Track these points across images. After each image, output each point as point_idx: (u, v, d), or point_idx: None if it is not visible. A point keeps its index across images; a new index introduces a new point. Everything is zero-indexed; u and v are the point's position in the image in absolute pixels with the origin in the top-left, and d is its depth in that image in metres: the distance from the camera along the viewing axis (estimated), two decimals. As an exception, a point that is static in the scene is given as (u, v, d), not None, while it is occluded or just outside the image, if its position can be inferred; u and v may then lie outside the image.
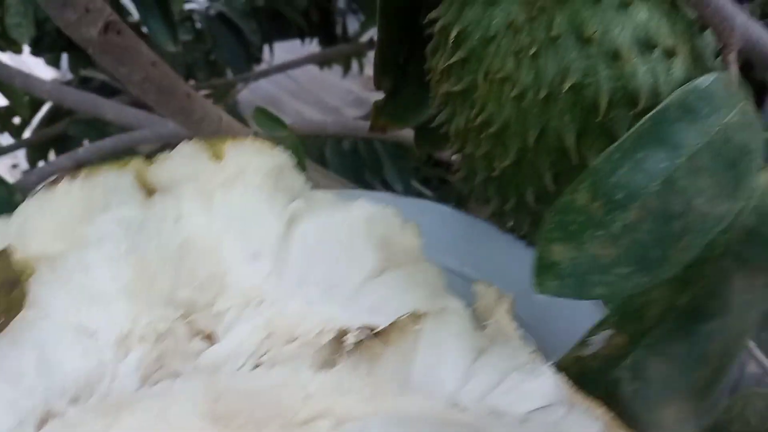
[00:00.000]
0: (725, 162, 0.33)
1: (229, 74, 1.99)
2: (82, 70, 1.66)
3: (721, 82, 0.34)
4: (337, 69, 2.28)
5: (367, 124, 0.56)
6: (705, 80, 0.34)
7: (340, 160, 1.67)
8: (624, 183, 0.33)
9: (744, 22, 0.37)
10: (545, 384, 0.33)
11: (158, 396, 0.31)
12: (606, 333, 0.36)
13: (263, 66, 2.03)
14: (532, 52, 0.38)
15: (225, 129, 0.79)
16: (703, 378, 0.35)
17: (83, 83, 1.66)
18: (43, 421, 0.30)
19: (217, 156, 0.37)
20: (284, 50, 2.18)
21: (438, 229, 0.52)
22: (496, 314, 0.36)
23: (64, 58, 1.77)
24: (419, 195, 1.77)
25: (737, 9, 0.37)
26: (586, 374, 0.36)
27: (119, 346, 0.33)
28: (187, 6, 1.85)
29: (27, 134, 1.60)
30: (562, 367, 0.36)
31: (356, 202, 0.38)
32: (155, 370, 0.33)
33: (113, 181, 0.35)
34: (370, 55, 2.25)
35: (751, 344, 0.66)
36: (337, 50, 2.07)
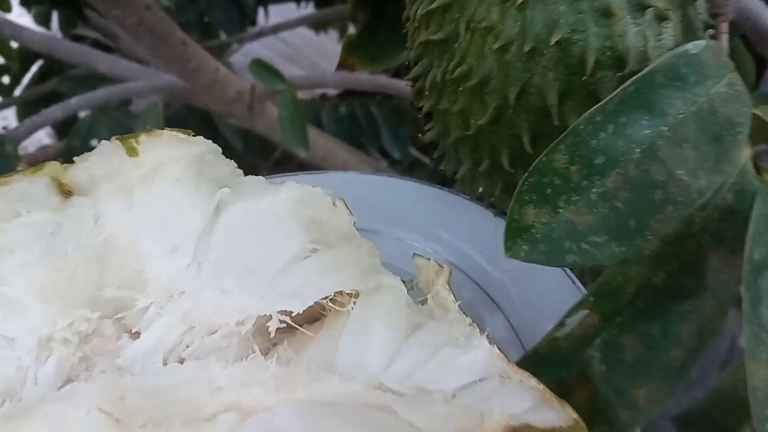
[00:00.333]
0: (710, 134, 0.32)
1: (223, 36, 1.95)
2: (72, 29, 1.62)
3: (711, 50, 0.33)
4: (332, 34, 2.23)
5: (369, 78, 0.54)
6: (695, 46, 0.32)
7: (336, 125, 1.65)
8: (604, 147, 0.31)
9: (740, -10, 0.35)
10: (478, 357, 0.32)
11: (59, 400, 0.30)
12: (582, 313, 0.34)
13: (257, 28, 1.98)
14: (519, 2, 0.36)
15: (222, 79, 0.77)
16: (678, 359, 0.33)
17: (75, 41, 1.62)
18: None
19: (133, 151, 0.36)
20: (278, 14, 2.13)
21: (403, 204, 0.51)
22: (436, 286, 0.35)
23: (55, 18, 1.73)
24: (417, 162, 1.75)
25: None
26: (558, 355, 0.34)
27: (40, 351, 0.32)
28: (181, -35, 1.81)
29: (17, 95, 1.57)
30: (536, 348, 0.35)
31: (284, 184, 0.37)
32: (81, 371, 0.33)
33: (24, 188, 0.34)
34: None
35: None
36: (332, 12, 2.02)
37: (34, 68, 1.58)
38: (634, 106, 0.31)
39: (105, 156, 0.36)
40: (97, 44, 1.62)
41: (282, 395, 0.31)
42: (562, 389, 0.33)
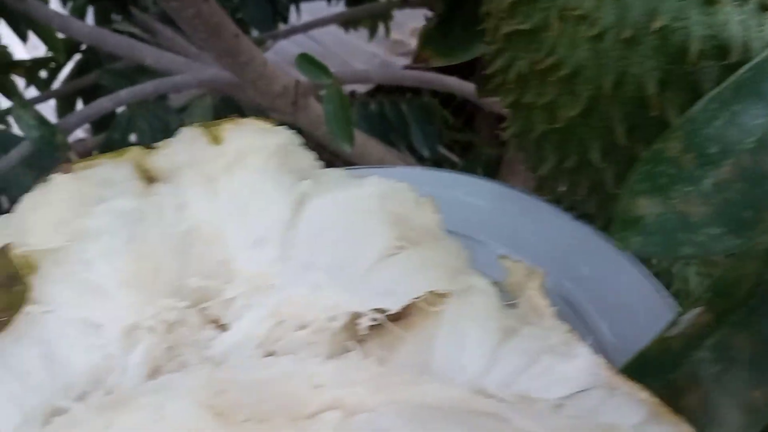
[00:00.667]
0: (825, 123, 0.30)
1: (255, 33, 1.96)
2: (108, 24, 1.64)
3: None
4: (362, 33, 2.23)
5: (412, 73, 0.53)
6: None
7: (367, 123, 1.65)
8: (718, 136, 0.30)
9: None
10: (581, 366, 0.30)
11: (158, 391, 0.30)
12: (695, 311, 0.33)
13: (288, 26, 1.99)
14: (617, -12, 0.35)
15: (269, 74, 0.77)
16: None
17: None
18: (48, 418, 0.30)
19: (217, 139, 0.35)
20: (309, 12, 2.14)
21: (473, 202, 0.50)
22: (528, 291, 0.34)
23: (90, 14, 1.75)
24: (445, 160, 1.75)
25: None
26: (669, 355, 0.33)
27: (126, 339, 0.32)
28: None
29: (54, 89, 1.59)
30: (644, 349, 0.34)
31: (368, 178, 0.36)
32: (167, 361, 0.32)
33: (109, 172, 0.34)
34: (397, 19, 2.20)
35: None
36: (363, 10, 2.03)
37: (71, 63, 1.59)
38: (748, 94, 0.30)
39: (187, 143, 0.35)
40: (133, 37, 1.64)
41: (383, 396, 0.30)
42: (671, 392, 0.32)
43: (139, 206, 0.34)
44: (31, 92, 1.63)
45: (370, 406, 0.30)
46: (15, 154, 0.90)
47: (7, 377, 0.30)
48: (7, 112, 1.41)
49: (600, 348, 0.42)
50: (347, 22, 2.19)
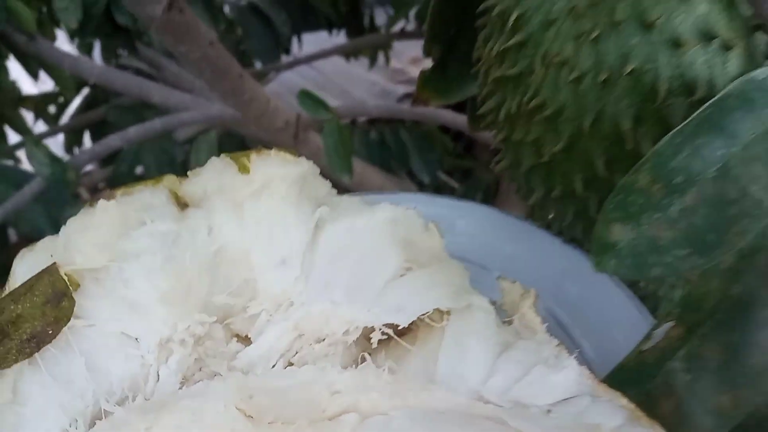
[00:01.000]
0: (780, 151, 0.34)
1: (258, 65, 2.01)
2: (115, 59, 1.68)
3: (779, 75, 0.35)
4: (363, 61, 2.28)
5: (408, 107, 0.57)
6: (762, 73, 0.35)
7: (367, 150, 1.68)
8: (683, 167, 0.33)
9: (801, 19, 0.38)
10: (569, 376, 0.34)
11: (195, 396, 0.34)
12: (667, 326, 0.37)
13: (291, 57, 2.04)
14: (593, 36, 0.39)
15: (272, 110, 0.80)
16: (758, 364, 0.35)
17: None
18: (93, 421, 0.33)
19: (245, 169, 0.39)
20: (312, 43, 2.19)
21: (472, 228, 0.53)
22: (522, 309, 0.38)
23: (96, 49, 1.80)
24: (445, 186, 1.78)
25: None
26: (644, 367, 0.36)
27: (160, 351, 0.35)
28: (220, -4, 1.87)
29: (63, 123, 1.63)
30: (623, 363, 0.37)
31: (380, 205, 0.39)
32: (196, 371, 0.36)
33: (148, 198, 0.37)
34: (397, 48, 2.25)
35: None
36: (364, 41, 2.08)
37: (79, 98, 1.64)
38: (709, 128, 0.34)
39: (216, 172, 0.39)
40: (139, 72, 1.68)
41: (396, 401, 0.33)
42: (648, 401, 0.35)
43: (175, 229, 0.37)
44: (40, 126, 1.68)
45: (384, 410, 0.33)
46: (28, 190, 0.93)
47: (54, 385, 0.33)
48: (16, 147, 1.45)
49: (584, 361, 0.45)
50: (348, 53, 2.24)
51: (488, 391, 0.34)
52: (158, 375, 0.35)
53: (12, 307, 0.33)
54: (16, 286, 0.34)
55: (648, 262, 0.33)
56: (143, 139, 0.94)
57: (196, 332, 0.36)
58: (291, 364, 0.37)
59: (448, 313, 0.37)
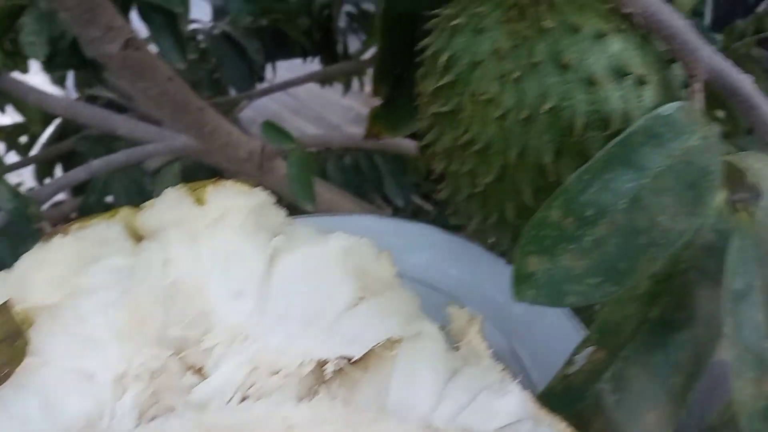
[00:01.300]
0: (686, 182, 0.36)
1: (233, 92, 2.02)
2: (88, 89, 1.69)
3: (683, 110, 0.37)
4: (338, 87, 2.31)
5: (368, 140, 0.59)
6: (668, 108, 0.37)
7: (341, 175, 1.70)
8: (593, 201, 0.35)
9: (709, 55, 0.40)
10: (512, 402, 0.35)
11: None
12: (589, 350, 0.38)
13: (266, 84, 2.06)
14: (515, 76, 0.41)
15: (234, 141, 0.82)
16: (679, 384, 0.37)
17: (90, 101, 1.69)
18: None
19: (200, 200, 0.39)
20: (286, 69, 2.21)
21: (423, 250, 0.55)
22: (469, 335, 0.39)
23: (70, 77, 1.81)
24: (419, 210, 1.79)
25: (703, 43, 0.40)
26: (572, 390, 0.38)
27: (116, 386, 0.35)
28: (192, 26, 1.89)
29: (33, 154, 1.63)
30: (551, 386, 0.39)
31: (333, 235, 0.40)
32: (151, 405, 0.36)
33: (103, 232, 0.38)
34: (371, 73, 2.28)
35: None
36: (338, 68, 2.10)
37: (51, 128, 1.64)
38: (617, 163, 0.36)
39: (172, 203, 0.39)
40: (111, 103, 1.69)
41: None
42: (580, 421, 0.36)
43: (130, 263, 0.37)
44: (12, 157, 1.68)
45: None
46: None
47: (9, 425, 0.33)
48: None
49: (528, 383, 0.47)
50: (322, 80, 2.27)
51: (437, 419, 0.35)
52: (114, 412, 0.35)
53: (-35, 347, 0.33)
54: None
55: (563, 291, 0.35)
56: (108, 171, 0.95)
57: (151, 366, 0.36)
58: (246, 397, 0.37)
59: (399, 340, 0.38)
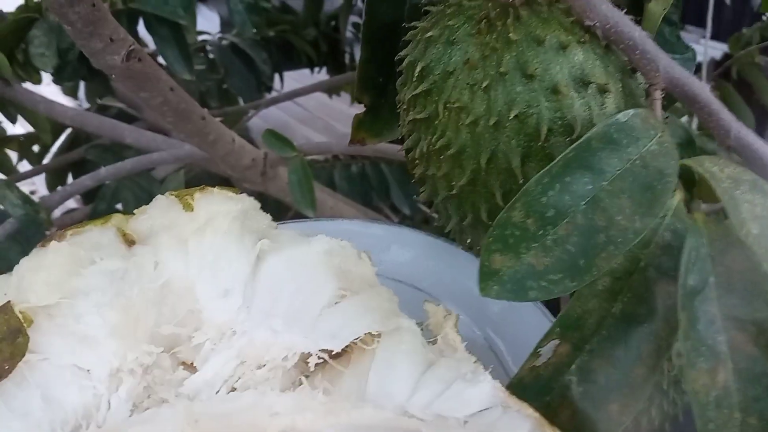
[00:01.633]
0: (643, 185, 0.38)
1: (241, 102, 2.06)
2: (98, 99, 1.73)
3: (639, 117, 0.40)
4: (345, 96, 2.34)
5: (370, 146, 0.62)
6: (624, 115, 0.39)
7: (348, 183, 1.71)
8: (554, 203, 0.38)
9: (668, 64, 0.42)
10: (484, 390, 0.38)
11: (145, 422, 0.37)
12: (553, 343, 0.40)
13: (273, 94, 2.09)
14: (484, 85, 0.43)
15: (237, 149, 0.84)
16: (641, 375, 0.39)
17: (101, 111, 1.73)
18: None
19: (189, 206, 0.42)
20: (294, 79, 2.24)
21: (403, 250, 0.57)
22: (444, 329, 0.41)
23: (81, 88, 1.85)
24: (428, 217, 1.81)
25: (662, 53, 0.42)
26: (540, 381, 0.40)
27: (111, 381, 0.38)
28: (201, 37, 1.93)
29: (45, 162, 1.67)
30: (519, 377, 0.41)
31: (316, 237, 0.43)
32: (145, 398, 0.38)
33: (97, 237, 0.40)
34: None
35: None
36: (344, 78, 2.14)
37: (62, 137, 1.68)
38: (576, 167, 0.38)
39: (162, 210, 0.42)
40: (121, 113, 1.73)
41: (330, 419, 0.37)
42: (548, 411, 0.38)
43: (123, 266, 0.40)
44: (25, 165, 1.72)
45: (318, 428, 0.37)
46: (1, 230, 0.96)
47: (12, 417, 0.35)
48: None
49: (504, 373, 0.49)
50: (329, 90, 2.30)
51: (413, 406, 0.37)
52: (110, 404, 0.37)
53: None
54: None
55: (526, 287, 0.37)
56: (115, 179, 0.98)
57: (144, 362, 0.38)
58: (234, 389, 0.39)
59: (379, 335, 0.40)
